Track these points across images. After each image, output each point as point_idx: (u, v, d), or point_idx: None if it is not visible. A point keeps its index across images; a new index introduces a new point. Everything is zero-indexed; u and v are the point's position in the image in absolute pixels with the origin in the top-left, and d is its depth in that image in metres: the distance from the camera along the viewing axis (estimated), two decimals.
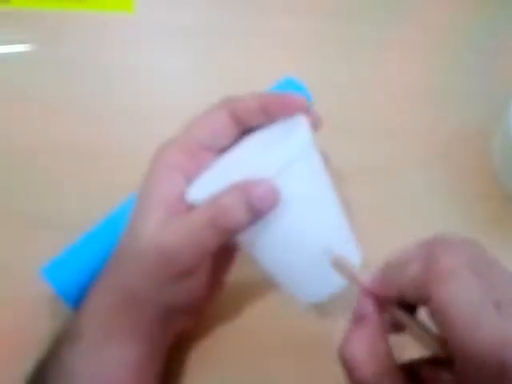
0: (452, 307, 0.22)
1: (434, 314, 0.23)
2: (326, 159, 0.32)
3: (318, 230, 0.31)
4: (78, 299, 0.36)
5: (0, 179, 0.44)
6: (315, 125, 0.32)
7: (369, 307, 0.27)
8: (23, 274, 0.39)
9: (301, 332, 0.39)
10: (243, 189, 0.28)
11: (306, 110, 0.32)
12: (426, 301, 0.24)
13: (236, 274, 0.37)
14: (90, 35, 0.50)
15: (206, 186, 0.31)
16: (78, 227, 0.38)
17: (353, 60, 0.51)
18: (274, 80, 0.45)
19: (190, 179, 0.32)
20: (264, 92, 0.33)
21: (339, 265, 0.29)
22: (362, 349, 0.26)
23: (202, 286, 0.32)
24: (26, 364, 0.36)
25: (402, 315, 0.27)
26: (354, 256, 0.32)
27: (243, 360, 0.38)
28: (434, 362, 0.26)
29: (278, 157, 0.28)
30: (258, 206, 0.28)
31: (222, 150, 0.34)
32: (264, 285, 0.40)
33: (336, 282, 0.31)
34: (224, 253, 0.33)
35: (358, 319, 0.27)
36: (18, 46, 0.49)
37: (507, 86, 0.50)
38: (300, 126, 0.30)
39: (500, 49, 0.53)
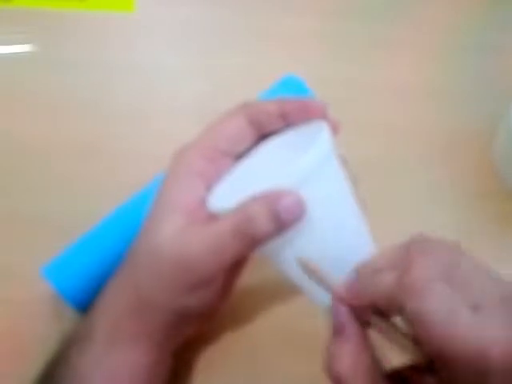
0: (426, 317, 0.23)
1: (408, 323, 0.24)
2: (344, 161, 0.32)
3: (340, 237, 0.30)
4: (78, 298, 0.36)
5: (1, 179, 0.43)
6: (334, 130, 0.31)
7: (344, 316, 0.27)
8: (24, 273, 0.39)
9: (309, 334, 0.39)
10: (270, 198, 0.28)
11: (325, 115, 0.31)
12: (399, 311, 0.24)
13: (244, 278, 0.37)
14: (91, 34, 0.50)
15: (227, 195, 0.31)
16: (79, 227, 0.38)
17: (353, 59, 0.51)
18: (274, 78, 0.45)
19: (209, 185, 0.32)
20: (282, 97, 0.32)
21: (310, 270, 0.28)
22: (347, 364, 0.26)
23: (216, 295, 0.32)
24: (27, 363, 0.36)
25: (377, 321, 0.27)
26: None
27: (249, 363, 0.38)
28: (419, 367, 0.26)
29: (303, 165, 0.27)
30: (284, 217, 0.27)
31: (240, 155, 0.33)
32: (270, 288, 0.40)
33: None
34: (236, 264, 0.33)
35: (338, 331, 0.27)
36: (18, 46, 0.49)
37: (509, 85, 0.50)
38: (322, 132, 0.29)
39: (501, 48, 0.53)
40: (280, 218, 0.27)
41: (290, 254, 0.29)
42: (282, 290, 0.40)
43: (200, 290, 0.30)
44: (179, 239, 0.29)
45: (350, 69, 0.51)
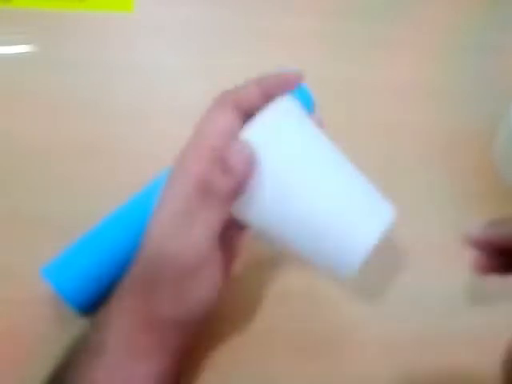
0: None
1: None
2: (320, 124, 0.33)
3: (324, 191, 0.30)
4: (78, 299, 0.36)
5: (1, 179, 0.43)
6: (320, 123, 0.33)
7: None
8: (24, 273, 0.39)
9: (311, 332, 0.39)
10: (220, 157, 0.29)
11: (301, 81, 0.33)
12: None
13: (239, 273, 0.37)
14: (90, 34, 0.50)
15: None
16: (79, 227, 0.38)
17: (353, 59, 0.51)
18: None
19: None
20: (259, 77, 0.33)
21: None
22: None
23: (217, 280, 0.32)
24: (27, 364, 0.36)
25: None
26: (382, 216, 0.31)
27: (252, 361, 0.38)
28: None
29: (256, 122, 0.30)
30: (233, 163, 0.29)
31: None
32: (269, 284, 0.40)
33: (361, 246, 0.30)
34: (230, 247, 0.34)
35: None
36: (18, 46, 0.49)
37: (509, 85, 0.50)
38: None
39: (502, 48, 0.53)
40: (229, 165, 0.29)
41: (280, 221, 0.30)
42: (288, 290, 0.40)
43: (191, 277, 0.30)
44: (158, 233, 0.30)
45: (350, 69, 0.50)
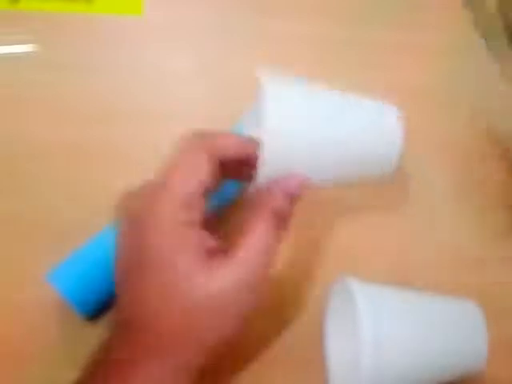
0: None
1: None
2: None
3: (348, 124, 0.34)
4: (85, 304, 0.36)
5: (2, 181, 0.43)
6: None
7: None
8: (28, 276, 0.39)
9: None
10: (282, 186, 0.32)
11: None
12: None
13: None
14: (97, 37, 0.50)
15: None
16: (87, 231, 0.37)
17: (355, 63, 0.51)
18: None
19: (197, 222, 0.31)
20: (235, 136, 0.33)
21: None
22: None
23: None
24: (29, 366, 0.35)
25: None
26: (393, 119, 0.37)
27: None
28: None
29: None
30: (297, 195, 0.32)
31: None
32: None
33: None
34: None
35: None
36: (26, 48, 0.49)
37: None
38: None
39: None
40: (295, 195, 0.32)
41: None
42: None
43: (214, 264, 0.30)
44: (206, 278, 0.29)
45: (352, 72, 0.50)
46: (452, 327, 0.36)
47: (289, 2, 0.53)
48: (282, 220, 0.31)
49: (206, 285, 0.29)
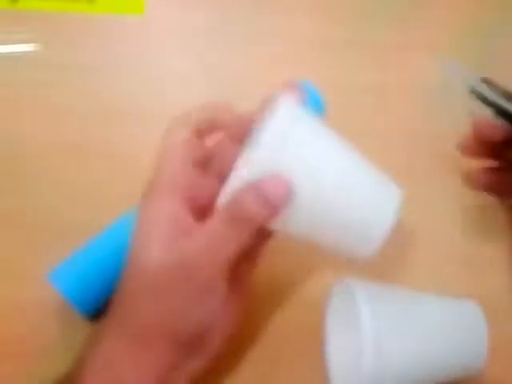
0: None
1: None
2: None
3: (341, 185, 0.31)
4: (85, 303, 0.36)
5: (3, 180, 0.43)
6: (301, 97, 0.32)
7: None
8: (29, 276, 0.39)
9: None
10: (257, 188, 0.29)
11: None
12: None
13: None
14: (98, 36, 0.50)
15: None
16: (87, 231, 0.37)
17: (362, 63, 0.51)
18: (285, 81, 0.44)
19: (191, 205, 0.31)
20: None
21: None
22: None
23: (221, 309, 0.31)
24: (31, 366, 0.35)
25: None
26: (392, 199, 0.33)
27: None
28: None
29: (265, 141, 0.29)
30: (272, 200, 0.29)
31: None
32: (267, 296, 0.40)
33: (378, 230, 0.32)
34: (237, 289, 0.33)
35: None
36: (25, 45, 0.49)
37: None
38: (278, 107, 0.30)
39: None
40: (270, 202, 0.29)
41: (304, 222, 0.31)
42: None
43: (204, 298, 0.29)
44: (169, 249, 0.29)
45: (358, 73, 0.50)
46: (452, 327, 0.36)
47: (289, 2, 0.53)
48: (243, 221, 0.29)
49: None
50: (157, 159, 0.32)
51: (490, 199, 0.45)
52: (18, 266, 0.40)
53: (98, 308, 0.37)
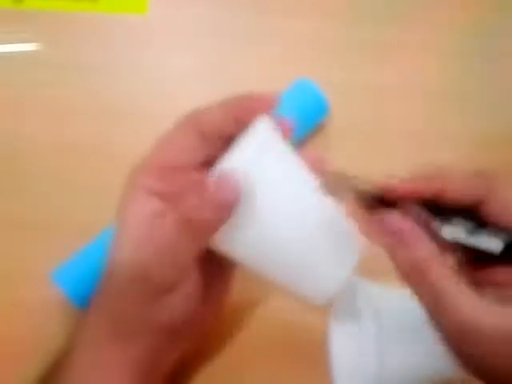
0: None
1: (493, 212, 0.26)
2: (322, 162, 0.32)
3: (297, 221, 0.30)
4: (88, 303, 0.36)
5: (5, 180, 0.43)
6: (284, 126, 0.31)
7: (402, 221, 0.27)
8: (30, 278, 0.38)
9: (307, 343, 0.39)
10: (205, 189, 0.28)
11: (273, 107, 0.31)
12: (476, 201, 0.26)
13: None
14: (102, 36, 0.50)
15: None
16: (88, 231, 0.37)
17: (365, 62, 0.51)
18: (287, 82, 0.44)
19: (164, 198, 0.31)
20: (229, 99, 0.32)
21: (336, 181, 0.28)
22: (425, 248, 0.26)
23: (190, 304, 0.31)
24: (35, 369, 0.35)
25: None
26: (351, 257, 0.31)
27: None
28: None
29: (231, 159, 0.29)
30: (221, 201, 0.28)
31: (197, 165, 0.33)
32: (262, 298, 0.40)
33: (338, 272, 0.30)
34: (217, 273, 0.33)
35: (401, 237, 0.26)
36: (28, 45, 0.48)
37: None
38: (254, 127, 0.30)
39: None
40: (216, 201, 0.28)
41: (256, 249, 0.30)
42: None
43: (164, 297, 0.29)
44: (133, 250, 0.29)
45: (358, 73, 0.50)
46: None
47: (290, 2, 0.53)
48: (192, 224, 0.29)
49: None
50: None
51: None
52: (19, 265, 0.40)
53: None
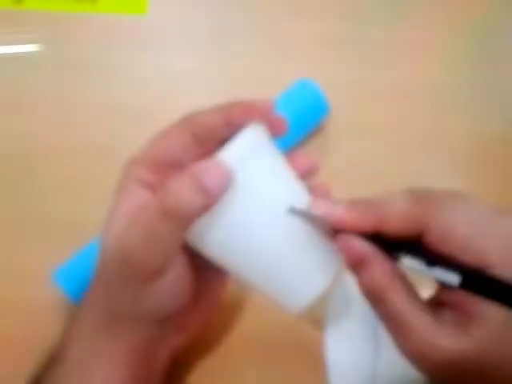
0: (459, 224, 0.25)
1: (436, 239, 0.25)
2: (313, 167, 0.32)
3: (275, 240, 0.29)
4: None
5: (7, 180, 0.43)
6: (278, 128, 0.31)
7: (361, 246, 0.26)
8: (30, 278, 0.38)
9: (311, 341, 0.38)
10: (191, 173, 0.28)
11: (270, 113, 0.31)
12: (420, 230, 0.25)
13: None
14: (102, 36, 0.50)
15: None
16: (87, 231, 0.37)
17: (367, 62, 0.51)
18: (287, 81, 0.44)
19: (154, 191, 0.32)
20: (226, 103, 0.32)
21: (298, 213, 0.28)
22: (379, 272, 0.26)
23: (179, 292, 0.31)
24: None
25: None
26: (326, 273, 0.30)
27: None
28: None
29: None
30: (207, 185, 0.28)
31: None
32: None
33: (320, 277, 0.30)
34: (212, 266, 0.32)
35: (358, 263, 0.26)
36: (30, 47, 0.49)
37: None
38: (245, 131, 0.30)
39: None
40: (203, 187, 0.28)
41: (234, 249, 0.30)
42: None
43: (153, 283, 0.29)
44: (118, 237, 0.30)
45: (363, 72, 0.50)
46: None
47: (290, 2, 0.53)
48: (176, 210, 0.28)
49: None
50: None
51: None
52: (19, 265, 0.40)
53: None
